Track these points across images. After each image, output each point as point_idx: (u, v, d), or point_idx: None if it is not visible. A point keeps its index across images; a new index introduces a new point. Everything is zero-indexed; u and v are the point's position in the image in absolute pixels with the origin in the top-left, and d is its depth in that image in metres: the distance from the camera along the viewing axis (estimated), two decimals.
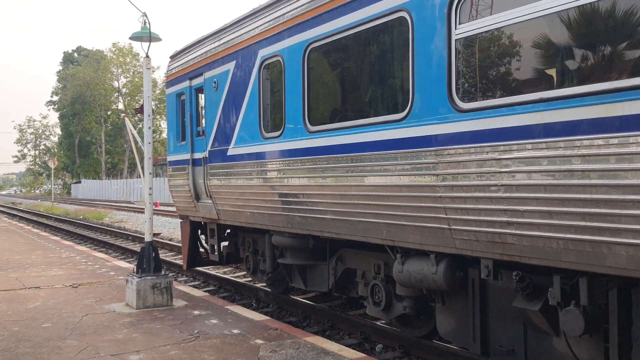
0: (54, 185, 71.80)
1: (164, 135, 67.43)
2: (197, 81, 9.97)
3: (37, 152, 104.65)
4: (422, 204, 5.32)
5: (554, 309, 4.75)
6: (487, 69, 4.91)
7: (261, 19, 8.01)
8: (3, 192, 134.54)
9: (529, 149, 4.36)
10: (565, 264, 4.32)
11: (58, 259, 13.82)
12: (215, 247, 10.44)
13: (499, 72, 4.86)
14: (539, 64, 4.59)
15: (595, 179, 3.95)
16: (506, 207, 4.56)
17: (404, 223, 5.62)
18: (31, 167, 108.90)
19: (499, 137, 4.56)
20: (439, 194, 5.10)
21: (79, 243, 19.64)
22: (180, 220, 11.35)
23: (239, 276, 12.32)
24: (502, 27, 4.67)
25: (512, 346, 5.38)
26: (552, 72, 4.48)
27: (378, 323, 7.85)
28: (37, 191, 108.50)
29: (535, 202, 4.35)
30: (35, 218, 34.88)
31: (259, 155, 7.99)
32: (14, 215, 38.58)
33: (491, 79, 4.91)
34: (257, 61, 8.02)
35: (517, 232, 4.54)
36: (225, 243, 10.58)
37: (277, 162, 7.60)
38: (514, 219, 4.53)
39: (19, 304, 8.65)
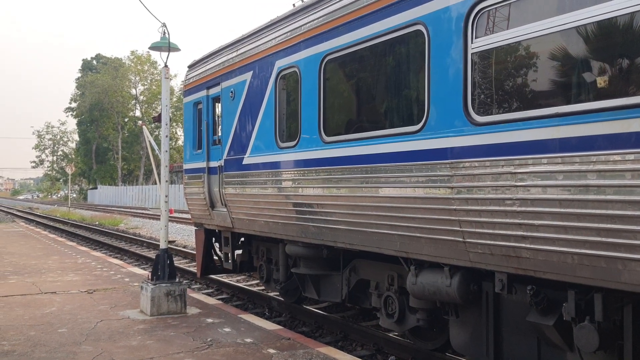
0: (71, 190, 72.53)
1: (180, 142, 67.89)
2: (214, 90, 10.07)
3: (54, 157, 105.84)
4: (437, 217, 5.32)
5: (568, 324, 4.72)
6: (503, 83, 4.92)
7: (278, 30, 8.09)
8: (20, 197, 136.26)
9: (544, 164, 4.35)
10: (580, 279, 4.30)
11: (74, 265, 13.97)
12: (229, 255, 10.49)
13: (515, 86, 4.87)
14: (555, 78, 4.59)
15: (611, 195, 3.94)
16: (521, 221, 4.55)
17: (418, 235, 5.62)
18: (49, 172, 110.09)
19: (515, 151, 4.56)
20: (454, 207, 5.11)
21: (94, 249, 19.82)
22: (195, 228, 11.42)
23: (252, 285, 12.36)
24: (519, 41, 4.68)
25: None
26: (568, 87, 4.48)
27: (391, 335, 7.84)
28: (54, 196, 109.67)
29: (551, 217, 4.34)
30: (51, 223, 35.25)
31: (274, 165, 8.05)
32: (31, 220, 39.05)
33: (507, 92, 4.92)
34: (274, 72, 8.09)
35: (532, 246, 4.53)
36: (239, 251, 10.63)
37: (292, 172, 7.65)
38: (529, 233, 4.52)
39: (35, 308, 8.75)
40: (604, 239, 4.02)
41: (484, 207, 4.84)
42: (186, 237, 22.34)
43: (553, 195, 4.31)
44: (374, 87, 6.57)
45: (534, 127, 4.44)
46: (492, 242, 4.86)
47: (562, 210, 4.25)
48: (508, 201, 4.63)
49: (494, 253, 4.89)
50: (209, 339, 7.01)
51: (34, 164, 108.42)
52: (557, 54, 4.51)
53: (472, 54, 4.99)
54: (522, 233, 4.57)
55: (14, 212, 51.62)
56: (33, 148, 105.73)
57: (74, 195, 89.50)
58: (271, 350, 6.54)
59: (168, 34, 8.72)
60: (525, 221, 4.52)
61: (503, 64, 4.90)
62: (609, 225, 3.98)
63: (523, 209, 4.52)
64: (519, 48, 4.76)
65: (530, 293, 4.79)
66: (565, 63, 4.49)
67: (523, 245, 4.60)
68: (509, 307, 5.45)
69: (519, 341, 5.40)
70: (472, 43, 4.98)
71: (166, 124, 8.91)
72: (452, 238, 5.23)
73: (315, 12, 7.21)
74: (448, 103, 5.19)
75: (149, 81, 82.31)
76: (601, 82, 4.25)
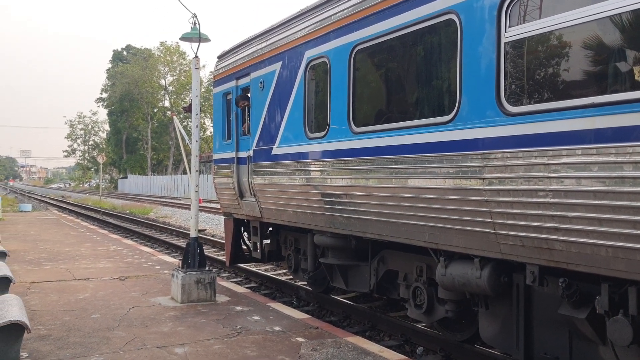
0: (102, 179, 73.81)
1: (208, 133, 68.40)
2: (243, 81, 10.12)
3: (86, 147, 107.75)
4: (467, 208, 5.29)
5: (601, 318, 4.66)
6: (536, 73, 4.85)
7: (308, 20, 8.08)
8: (53, 186, 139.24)
9: (578, 155, 4.29)
10: (614, 272, 4.24)
11: (106, 252, 14.25)
12: (258, 244, 10.58)
13: (549, 76, 4.79)
14: (590, 68, 4.51)
15: None
16: (554, 213, 4.50)
17: (448, 226, 5.59)
18: (80, 161, 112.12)
19: (548, 142, 4.50)
20: (485, 198, 5.07)
21: (125, 237, 20.18)
22: (224, 218, 11.54)
23: (280, 274, 12.45)
24: (553, 30, 4.60)
25: (557, 354, 5.30)
26: (604, 76, 4.39)
27: (419, 325, 7.83)
28: (86, 185, 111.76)
29: (584, 209, 4.28)
30: (84, 211, 35.97)
31: (303, 155, 8.07)
32: (64, 209, 39.91)
33: (541, 82, 4.84)
34: (303, 62, 8.10)
35: (565, 238, 4.47)
36: (268, 241, 10.71)
37: (321, 163, 7.66)
38: (562, 225, 4.46)
39: (69, 294, 8.97)
40: (639, 232, 3.95)
41: (516, 199, 4.80)
42: (215, 226, 22.58)
43: (587, 187, 4.24)
44: (405, 78, 6.53)
45: (568, 118, 4.38)
46: (523, 234, 4.82)
47: (597, 202, 4.19)
48: (541, 193, 4.57)
49: (526, 245, 4.84)
50: (238, 327, 7.10)
51: (66, 153, 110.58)
52: (593, 43, 4.42)
53: (505, 43, 4.93)
54: (554, 225, 4.52)
55: (47, 201, 52.79)
56: (65, 137, 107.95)
57: (105, 184, 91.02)
58: (300, 339, 6.60)
59: (199, 24, 8.78)
60: (558, 213, 4.47)
61: (537, 54, 4.82)
62: None
63: (556, 200, 4.47)
64: (553, 37, 4.68)
65: (562, 286, 4.73)
66: (601, 52, 4.40)
67: (556, 237, 4.54)
68: (540, 299, 5.40)
69: (550, 334, 5.35)
70: (505, 32, 4.92)
71: (196, 114, 9.00)
72: (483, 229, 5.20)
73: (345, 2, 7.17)
74: (480, 93, 5.13)
75: (177, 72, 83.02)
76: (638, 71, 4.16)
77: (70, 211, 36.98)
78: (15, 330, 5.03)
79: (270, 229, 10.52)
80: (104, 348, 6.18)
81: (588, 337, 4.90)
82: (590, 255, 4.33)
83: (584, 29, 4.40)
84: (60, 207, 41.53)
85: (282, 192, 8.71)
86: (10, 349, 5.06)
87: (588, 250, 4.33)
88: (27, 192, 50.69)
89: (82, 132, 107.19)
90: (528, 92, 4.87)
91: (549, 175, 4.50)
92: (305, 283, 10.24)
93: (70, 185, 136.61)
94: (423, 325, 7.81)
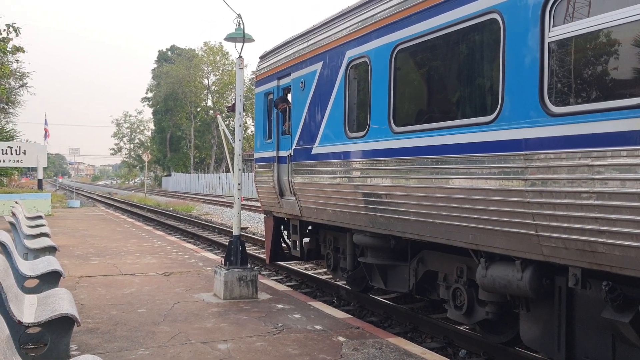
0: (147, 177, 75.50)
1: (249, 132, 69.12)
2: (284, 81, 10.24)
3: (131, 145, 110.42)
4: (509, 209, 5.25)
5: None
6: (581, 73, 4.78)
7: (349, 20, 8.12)
8: (100, 183, 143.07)
9: (624, 156, 4.21)
10: None
11: (151, 248, 14.61)
12: (297, 243, 10.69)
13: (594, 76, 4.71)
14: (635, 68, 4.42)
15: None
16: (598, 215, 4.43)
17: (489, 227, 5.56)
18: (126, 159, 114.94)
19: (593, 143, 4.44)
20: (527, 199, 5.02)
21: (169, 233, 20.60)
22: (264, 216, 11.69)
23: (320, 273, 12.52)
24: (599, 30, 4.53)
25: (599, 357, 5.21)
26: None
27: (461, 327, 7.77)
28: (131, 182, 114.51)
29: (629, 211, 4.20)
30: (129, 208, 36.86)
31: (343, 155, 8.12)
32: (110, 205, 40.99)
33: (585, 83, 4.77)
34: (344, 62, 8.14)
35: (609, 241, 4.40)
36: (307, 239, 10.80)
37: (361, 162, 7.69)
38: (606, 228, 4.39)
39: (116, 289, 9.25)
40: None
41: (558, 200, 4.74)
42: (255, 224, 22.84)
43: (632, 189, 4.17)
44: (446, 77, 6.51)
45: (614, 119, 4.30)
46: (566, 236, 4.75)
47: None
48: (584, 194, 4.51)
49: (568, 247, 4.78)
50: (279, 325, 7.20)
51: (112, 151, 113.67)
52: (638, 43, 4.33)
53: (549, 42, 4.87)
54: (598, 227, 4.45)
55: (95, 197, 54.30)
56: (112, 136, 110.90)
57: (150, 182, 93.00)
58: (341, 339, 6.64)
59: (243, 25, 8.91)
60: (602, 215, 4.40)
61: (581, 53, 4.75)
62: None
63: (600, 202, 4.40)
64: (598, 37, 4.60)
65: (605, 289, 4.66)
66: None
67: (599, 239, 4.47)
68: (582, 302, 5.32)
69: (592, 337, 5.26)
70: (549, 32, 4.86)
71: (240, 114, 9.14)
72: (525, 231, 5.15)
73: (386, 2, 7.19)
74: (523, 93, 5.09)
75: (220, 72, 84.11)
76: None
77: (117, 208, 37.97)
78: (66, 323, 5.23)
79: (310, 227, 10.61)
80: (150, 342, 6.37)
81: (632, 342, 4.81)
82: (635, 259, 4.25)
83: (631, 29, 4.31)
84: (106, 204, 42.67)
85: (321, 191, 8.78)
86: (61, 341, 5.27)
87: (632, 253, 4.25)
88: (75, 189, 52.27)
89: (128, 130, 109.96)
90: (572, 93, 4.80)
91: (593, 176, 4.43)
92: (345, 282, 10.29)
93: (116, 182, 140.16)
94: (465, 328, 7.75)
